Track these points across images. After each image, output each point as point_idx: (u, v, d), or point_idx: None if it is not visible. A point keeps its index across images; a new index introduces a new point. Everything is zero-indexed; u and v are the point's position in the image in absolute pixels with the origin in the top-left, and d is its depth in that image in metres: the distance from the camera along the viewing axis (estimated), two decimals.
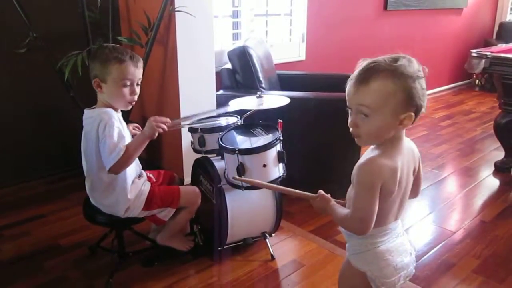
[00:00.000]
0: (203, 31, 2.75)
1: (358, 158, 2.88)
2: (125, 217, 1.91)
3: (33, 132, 2.98)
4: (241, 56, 3.10)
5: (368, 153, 1.24)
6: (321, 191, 1.32)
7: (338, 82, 3.19)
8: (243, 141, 2.02)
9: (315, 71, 4.02)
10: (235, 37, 3.81)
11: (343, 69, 4.12)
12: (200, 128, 2.21)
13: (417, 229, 2.56)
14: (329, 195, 1.31)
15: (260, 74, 3.12)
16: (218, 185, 2.06)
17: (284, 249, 2.31)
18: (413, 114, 1.14)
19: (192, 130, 2.25)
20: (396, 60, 1.15)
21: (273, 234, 2.29)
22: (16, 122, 2.91)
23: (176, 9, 2.55)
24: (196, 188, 2.10)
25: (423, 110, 1.16)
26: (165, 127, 1.82)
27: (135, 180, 1.94)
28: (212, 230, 2.16)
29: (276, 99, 2.22)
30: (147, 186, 1.96)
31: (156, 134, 1.81)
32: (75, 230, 2.44)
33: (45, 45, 2.60)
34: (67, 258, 2.21)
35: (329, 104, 2.87)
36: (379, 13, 4.88)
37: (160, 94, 2.98)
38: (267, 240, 2.23)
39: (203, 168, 2.21)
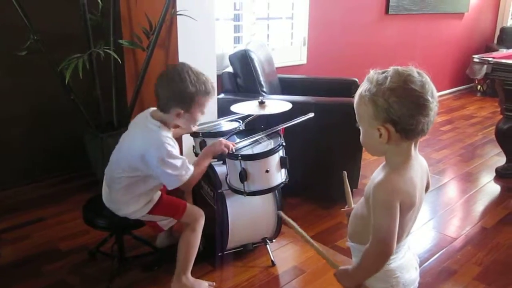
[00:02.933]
0: (204, 35, 2.73)
1: (359, 163, 2.87)
2: (128, 217, 1.89)
3: (33, 134, 2.97)
4: (243, 60, 3.09)
5: (379, 170, 1.22)
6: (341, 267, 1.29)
7: (339, 87, 3.25)
8: (245, 147, 2.00)
9: (316, 75, 4.01)
10: (237, 40, 3.80)
11: (344, 73, 4.12)
12: (202, 133, 2.20)
13: (418, 236, 2.54)
14: (346, 268, 1.27)
15: (261, 78, 3.11)
16: (219, 190, 2.05)
17: (284, 255, 2.30)
18: (389, 127, 1.12)
19: (193, 135, 2.23)
20: (383, 71, 1.15)
21: (273, 240, 2.28)
22: (17, 124, 2.90)
23: (177, 13, 2.54)
24: (201, 211, 2.03)
25: (410, 126, 1.11)
26: (230, 146, 1.92)
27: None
28: (213, 235, 2.15)
29: (278, 105, 2.21)
30: (157, 194, 1.95)
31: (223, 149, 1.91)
32: (75, 234, 2.42)
33: (45, 47, 2.59)
34: (66, 262, 2.20)
35: (330, 108, 2.86)
36: (380, 17, 4.88)
37: None
38: (267, 246, 2.22)
39: (204, 174, 2.19)
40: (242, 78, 3.14)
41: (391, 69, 1.15)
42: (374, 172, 1.23)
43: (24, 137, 2.94)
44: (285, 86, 3.61)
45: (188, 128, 1.97)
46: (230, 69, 3.20)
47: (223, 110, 2.98)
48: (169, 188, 1.83)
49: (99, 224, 1.94)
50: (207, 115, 2.83)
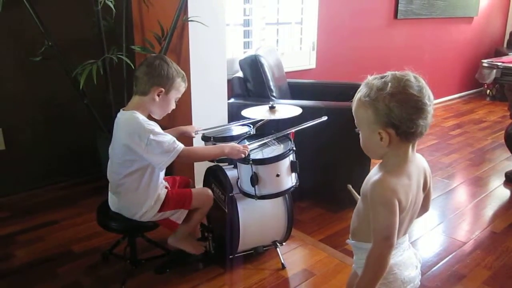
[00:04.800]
0: (215, 41, 2.77)
1: (369, 167, 2.90)
2: (139, 220, 1.94)
3: (47, 138, 3.02)
4: (253, 65, 3.13)
5: (375, 170, 1.26)
6: None
7: (348, 91, 3.22)
8: (256, 151, 2.03)
9: (325, 80, 4.02)
10: (246, 45, 3.84)
11: (353, 77, 4.12)
12: (213, 137, 2.24)
13: (427, 240, 2.56)
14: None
15: (271, 83, 3.14)
16: (230, 194, 2.08)
17: (294, 258, 2.32)
18: (390, 131, 1.16)
19: (205, 139, 2.27)
20: (382, 77, 1.19)
21: (284, 243, 2.31)
22: (31, 128, 2.96)
23: (189, 19, 2.58)
24: (207, 190, 2.13)
25: (411, 130, 1.16)
26: (247, 153, 1.96)
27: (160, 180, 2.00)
28: (224, 238, 2.18)
29: (288, 109, 2.24)
30: (164, 192, 2.00)
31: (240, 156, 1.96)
32: (88, 237, 2.46)
33: (60, 53, 2.64)
34: (80, 264, 2.24)
35: (340, 112, 2.86)
36: (389, 21, 4.90)
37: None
38: (278, 249, 2.24)
39: (215, 177, 2.23)
40: (252, 83, 3.17)
41: (389, 74, 1.19)
42: (370, 171, 1.27)
43: (38, 140, 2.99)
44: (295, 91, 3.64)
45: (161, 114, 1.99)
46: (240, 74, 3.24)
47: (233, 115, 3.02)
48: (163, 167, 1.87)
49: (112, 226, 1.97)
50: (217, 119, 2.90)
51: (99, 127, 2.83)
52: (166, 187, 2.07)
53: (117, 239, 2.23)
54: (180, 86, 1.97)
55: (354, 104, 1.23)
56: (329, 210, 2.86)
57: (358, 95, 1.22)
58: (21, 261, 2.27)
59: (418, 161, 1.28)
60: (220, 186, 2.18)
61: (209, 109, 2.88)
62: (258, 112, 2.22)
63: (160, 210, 1.96)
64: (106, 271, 2.17)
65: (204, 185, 2.38)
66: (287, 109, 2.26)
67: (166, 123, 3.06)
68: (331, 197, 2.99)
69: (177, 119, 2.99)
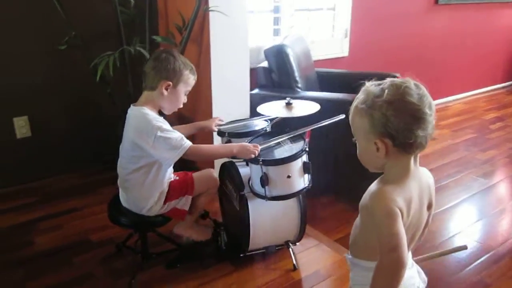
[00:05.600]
0: (237, 30, 2.70)
1: None
2: (147, 215, 1.95)
3: (71, 126, 3.06)
4: (278, 55, 3.04)
5: (375, 183, 1.18)
6: None
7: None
8: (267, 151, 1.97)
9: (358, 70, 3.86)
10: (276, 33, 3.74)
11: (387, 67, 3.97)
12: (228, 133, 2.19)
13: (455, 243, 2.43)
14: None
15: (296, 74, 3.05)
16: (241, 193, 2.04)
17: (308, 258, 2.26)
18: (387, 141, 1.09)
19: (220, 134, 2.23)
20: (379, 83, 1.12)
21: (297, 243, 2.25)
22: (56, 116, 3.00)
23: (210, 9, 2.52)
24: (210, 171, 2.12)
25: (409, 141, 1.08)
26: (256, 153, 1.91)
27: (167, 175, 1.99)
28: (235, 235, 2.15)
29: (305, 106, 2.16)
30: (167, 184, 1.99)
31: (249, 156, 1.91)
32: (106, 226, 2.47)
33: (83, 43, 2.65)
34: (95, 254, 2.27)
35: None
36: (429, 7, 4.64)
37: (194, 92, 2.97)
38: (290, 249, 2.19)
39: (228, 173, 2.19)
40: (277, 74, 3.09)
41: (387, 81, 1.11)
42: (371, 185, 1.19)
43: (62, 128, 3.03)
44: (323, 81, 3.53)
45: (170, 108, 1.97)
46: (265, 63, 3.16)
47: (256, 106, 2.95)
48: (170, 163, 1.87)
49: (122, 221, 1.98)
50: (239, 111, 2.85)
51: (120, 116, 2.83)
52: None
53: (130, 232, 2.24)
54: (188, 79, 1.93)
55: (351, 111, 1.16)
56: (351, 208, 2.76)
57: (355, 102, 1.16)
58: (39, 248, 2.33)
59: (422, 177, 1.19)
60: (233, 183, 2.14)
61: (230, 101, 2.83)
62: (273, 109, 2.15)
63: (165, 202, 1.96)
64: (118, 263, 2.19)
65: (220, 181, 2.35)
66: (305, 105, 2.17)
67: (189, 114, 3.06)
68: (355, 194, 2.88)
69: (198, 111, 2.97)
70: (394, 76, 3.55)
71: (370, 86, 1.13)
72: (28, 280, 2.07)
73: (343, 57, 4.08)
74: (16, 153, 2.89)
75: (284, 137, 2.02)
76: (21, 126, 2.86)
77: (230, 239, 2.22)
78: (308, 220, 2.46)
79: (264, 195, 1.93)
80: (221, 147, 1.98)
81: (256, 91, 3.05)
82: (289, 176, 1.89)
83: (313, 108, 2.13)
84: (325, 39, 4.00)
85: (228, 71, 2.77)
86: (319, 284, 2.07)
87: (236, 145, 1.94)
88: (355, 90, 2.82)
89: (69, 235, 2.43)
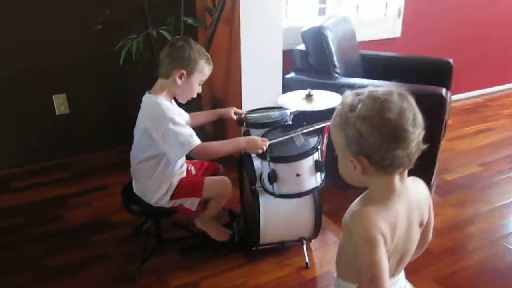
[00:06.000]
0: (270, 10, 2.58)
1: (435, 156, 2.52)
2: (155, 205, 1.94)
3: (106, 104, 3.12)
4: (316, 38, 2.89)
5: (357, 199, 1.08)
6: None
7: (429, 68, 2.93)
8: (279, 146, 1.88)
9: (409, 53, 3.57)
10: (322, 11, 3.57)
11: (443, 50, 3.66)
12: (246, 122, 2.13)
13: (487, 251, 2.23)
14: None
15: (335, 58, 2.89)
16: (253, 187, 1.98)
17: (324, 256, 2.18)
18: (362, 160, 0.98)
19: (239, 123, 2.17)
20: (358, 93, 1.00)
21: (312, 240, 2.17)
22: (92, 94, 3.06)
23: None
24: (224, 178, 2.04)
25: (385, 162, 0.96)
26: (264, 148, 1.84)
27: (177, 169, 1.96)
28: (249, 227, 2.11)
29: (328, 98, 2.03)
30: (177, 180, 1.96)
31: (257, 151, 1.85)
32: None
33: (116, 23, 2.66)
34: (114, 234, 2.32)
35: (420, 101, 2.51)
36: None
37: (226, 75, 2.91)
38: (304, 246, 2.11)
39: (244, 165, 2.13)
40: (313, 57, 2.94)
41: (366, 91, 0.99)
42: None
43: (98, 106, 3.10)
44: (368, 65, 3.32)
45: (184, 97, 1.93)
46: (302, 46, 3.02)
47: (289, 90, 2.82)
48: (176, 158, 1.84)
49: (133, 209, 1.99)
50: (271, 96, 2.75)
51: None
52: (188, 173, 2.03)
53: None
54: (203, 69, 1.87)
55: (331, 122, 1.05)
56: None
57: (335, 112, 1.04)
58: (65, 224, 2.43)
59: (410, 194, 1.06)
60: (247, 176, 2.08)
61: (261, 85, 2.74)
62: (292, 100, 2.04)
63: (171, 198, 1.93)
64: (135, 246, 2.22)
65: (238, 171, 2.30)
66: (328, 97, 2.05)
67: (221, 97, 3.01)
68: None
69: (229, 94, 2.92)
70: (448, 63, 3.26)
71: (347, 96, 1.02)
72: (48, 256, 2.17)
73: (394, 38, 3.81)
74: (55, 129, 3.01)
75: (298, 132, 1.91)
76: (60, 103, 2.96)
77: (246, 230, 2.19)
78: (330, 214, 2.38)
79: (272, 192, 1.85)
80: (229, 143, 1.89)
81: (291, 75, 2.93)
82: (298, 175, 1.80)
83: (336, 100, 1.99)
84: (375, 19, 3.75)
85: (259, 53, 2.67)
86: (330, 286, 1.99)
87: (244, 139, 1.86)
88: (403, 77, 2.63)
89: (95, 213, 2.51)
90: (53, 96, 2.93)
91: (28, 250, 2.22)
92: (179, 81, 1.83)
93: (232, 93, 2.83)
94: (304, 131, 1.92)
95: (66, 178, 2.90)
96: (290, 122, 2.12)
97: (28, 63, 2.81)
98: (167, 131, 1.76)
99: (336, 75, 2.89)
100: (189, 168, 2.09)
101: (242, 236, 2.18)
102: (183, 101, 1.96)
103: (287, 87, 2.86)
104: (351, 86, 2.38)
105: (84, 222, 2.44)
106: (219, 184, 2.00)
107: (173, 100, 1.92)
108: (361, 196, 1.09)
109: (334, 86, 2.74)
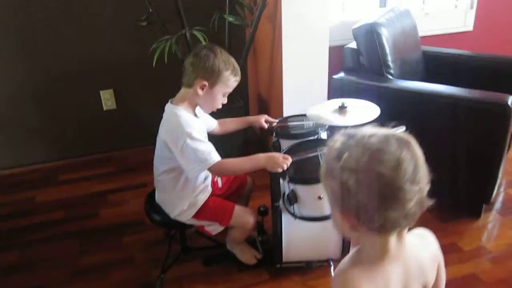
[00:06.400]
0: (314, 6, 2.40)
1: (497, 170, 2.24)
2: (176, 219, 1.88)
3: (151, 100, 3.07)
4: (367, 36, 2.65)
5: (348, 256, 0.95)
6: None
7: (500, 69, 2.67)
8: (303, 163, 1.73)
9: (482, 51, 3.15)
10: (383, 3, 3.29)
11: None
12: (275, 132, 2.01)
13: None
14: None
15: (388, 58, 2.64)
16: (276, 204, 1.85)
17: None
18: (350, 217, 0.83)
19: (270, 133, 2.05)
20: (350, 136, 0.85)
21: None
22: (138, 90, 3.07)
23: None
24: (250, 213, 1.93)
25: (376, 223, 0.81)
26: (285, 166, 1.69)
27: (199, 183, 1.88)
28: (274, 244, 2.00)
29: (363, 111, 1.84)
30: (204, 196, 1.87)
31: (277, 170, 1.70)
32: None
33: (160, 20, 2.61)
34: (144, 237, 2.32)
35: (482, 110, 2.26)
36: None
37: (269, 74, 2.79)
38: (331, 267, 1.97)
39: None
40: (365, 57, 2.71)
41: (359, 134, 0.83)
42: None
43: (143, 102, 3.09)
44: (431, 64, 3.01)
45: (206, 109, 1.84)
46: (353, 44, 2.80)
47: (339, 93, 2.64)
48: (193, 175, 1.75)
49: (154, 218, 1.95)
50: (315, 98, 2.58)
51: None
52: (214, 185, 1.95)
53: None
54: (228, 80, 1.75)
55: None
56: (437, 217, 2.37)
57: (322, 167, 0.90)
58: (100, 222, 2.47)
59: (411, 254, 0.91)
60: (271, 191, 1.95)
61: (304, 85, 2.59)
62: (323, 112, 1.86)
63: (195, 217, 1.85)
64: (160, 252, 2.16)
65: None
66: (363, 110, 1.85)
67: (266, 97, 2.89)
68: (446, 201, 2.48)
69: (272, 96, 2.79)
70: None
71: (337, 139, 0.86)
72: (81, 254, 2.22)
73: (465, 32, 3.43)
74: (101, 124, 3.07)
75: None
76: (107, 99, 3.00)
77: (271, 246, 2.08)
78: None
79: (293, 213, 1.72)
80: (248, 160, 1.76)
81: (340, 75, 2.72)
82: (320, 197, 1.65)
83: (371, 114, 1.80)
84: (444, 11, 3.39)
85: (302, 52, 2.51)
86: None
87: (264, 156, 1.72)
88: (472, 79, 2.30)
89: (130, 213, 2.52)
90: (100, 92, 2.98)
91: (63, 247, 2.28)
92: (200, 92, 1.73)
93: (274, 94, 2.70)
94: None
95: (110, 172, 2.94)
96: (324, 135, 1.97)
97: (79, 60, 2.87)
98: (185, 145, 1.68)
99: (390, 77, 2.64)
100: (216, 179, 2.01)
101: (267, 251, 2.07)
102: (206, 112, 1.88)
103: (335, 88, 2.68)
104: (405, 91, 2.17)
105: (117, 222, 2.46)
106: (246, 216, 1.90)
107: (198, 108, 1.84)
108: (353, 251, 0.94)
109: (386, 90, 2.53)
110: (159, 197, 1.93)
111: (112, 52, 2.91)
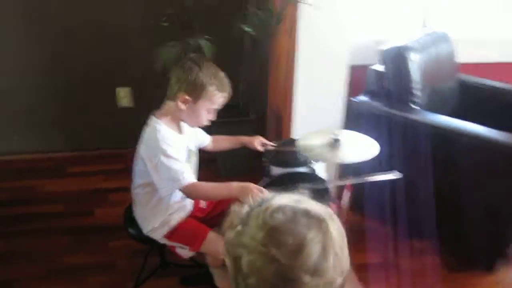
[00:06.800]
0: (332, 25, 2.24)
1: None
2: (147, 235, 1.82)
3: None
4: (395, 60, 2.46)
5: None
6: None
7: None
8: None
9: None
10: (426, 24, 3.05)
11: None
12: (266, 156, 1.89)
13: None
14: None
15: (416, 86, 2.43)
16: None
17: None
18: None
19: (263, 155, 1.93)
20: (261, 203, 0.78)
21: None
22: (154, 89, 2.98)
23: (299, 1, 2.13)
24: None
25: None
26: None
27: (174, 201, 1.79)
28: None
29: (357, 148, 1.67)
30: (178, 216, 1.79)
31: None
32: None
33: (179, 21, 2.55)
34: (131, 244, 2.21)
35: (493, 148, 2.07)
36: None
37: (283, 90, 2.65)
38: None
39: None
40: (390, 81, 2.51)
41: (267, 203, 0.75)
42: None
43: (161, 101, 3.05)
44: (467, 96, 2.77)
45: (191, 124, 1.74)
46: (379, 67, 2.59)
47: (357, 117, 2.47)
48: (165, 193, 1.66)
49: (130, 232, 1.89)
50: (328, 121, 2.42)
51: None
52: (196, 206, 1.87)
53: None
54: (213, 96, 1.63)
55: None
56: (446, 264, 2.17)
57: None
58: (93, 221, 2.46)
59: None
60: None
61: (317, 106, 2.44)
62: (314, 143, 1.71)
63: (166, 236, 1.77)
64: (141, 261, 2.14)
65: None
66: (357, 147, 1.68)
67: (279, 111, 2.76)
68: (458, 247, 2.29)
69: (284, 112, 2.65)
70: None
71: (246, 204, 0.80)
72: (65, 252, 2.21)
73: None
74: (116, 120, 3.07)
75: (307, 187, 1.60)
76: (123, 97, 3.00)
77: None
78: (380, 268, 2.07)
79: None
80: (222, 186, 1.63)
81: (360, 98, 2.54)
82: None
83: (367, 152, 1.64)
84: (495, 36, 3.08)
85: (316, 71, 2.35)
86: None
87: (237, 186, 1.59)
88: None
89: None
90: (116, 89, 2.98)
91: (52, 245, 2.28)
92: (182, 106, 1.64)
93: (287, 111, 2.57)
94: (315, 187, 1.60)
95: (118, 170, 2.91)
96: (317, 166, 1.82)
97: (97, 57, 2.88)
98: (159, 162, 1.60)
99: (415, 107, 2.43)
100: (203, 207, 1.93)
101: None
102: (191, 127, 1.78)
103: (353, 111, 2.52)
104: (427, 125, 1.99)
105: (109, 223, 2.43)
106: (220, 244, 1.78)
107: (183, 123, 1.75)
108: None
109: (407, 121, 2.33)
110: (135, 211, 1.87)
111: (130, 51, 2.89)
